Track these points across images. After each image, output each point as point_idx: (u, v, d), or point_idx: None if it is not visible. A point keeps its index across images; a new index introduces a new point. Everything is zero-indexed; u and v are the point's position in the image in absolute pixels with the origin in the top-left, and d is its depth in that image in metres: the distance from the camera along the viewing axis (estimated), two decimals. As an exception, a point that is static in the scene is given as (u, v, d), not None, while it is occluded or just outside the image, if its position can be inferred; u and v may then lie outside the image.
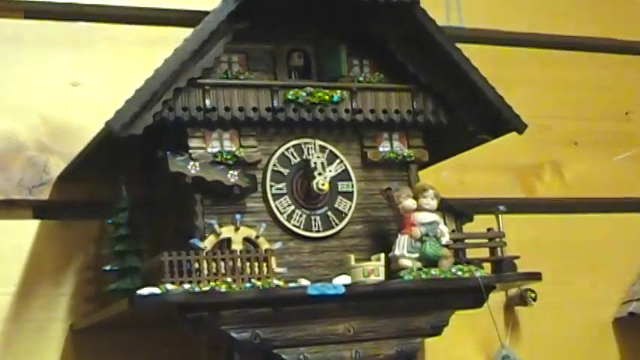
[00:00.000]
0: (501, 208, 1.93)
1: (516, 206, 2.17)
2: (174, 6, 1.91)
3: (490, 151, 2.13)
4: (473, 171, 2.24)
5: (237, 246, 1.71)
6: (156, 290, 1.62)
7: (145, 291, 1.62)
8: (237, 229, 1.72)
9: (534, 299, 2.19)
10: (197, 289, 1.64)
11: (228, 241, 1.71)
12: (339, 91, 1.84)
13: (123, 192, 1.82)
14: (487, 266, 1.91)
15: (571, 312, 2.28)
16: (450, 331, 1.91)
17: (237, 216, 1.72)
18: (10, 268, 1.90)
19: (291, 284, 1.71)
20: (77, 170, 1.89)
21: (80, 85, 1.98)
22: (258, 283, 1.68)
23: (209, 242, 1.70)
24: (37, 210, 1.95)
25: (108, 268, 1.81)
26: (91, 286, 1.91)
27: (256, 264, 1.69)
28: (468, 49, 1.93)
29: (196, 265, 1.65)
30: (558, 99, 2.38)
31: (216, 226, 1.70)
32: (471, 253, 1.91)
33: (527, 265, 1.91)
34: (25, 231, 1.92)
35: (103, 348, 1.91)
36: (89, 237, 1.93)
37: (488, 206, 1.96)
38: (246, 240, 1.72)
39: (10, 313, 1.89)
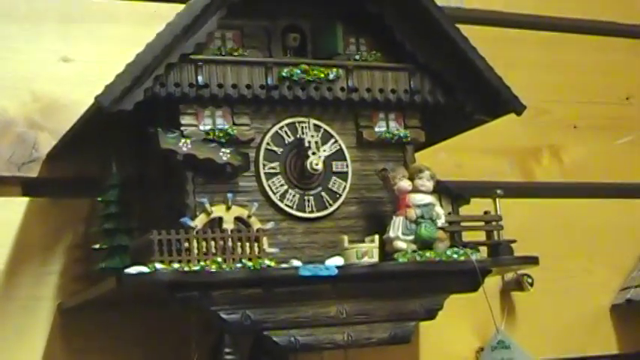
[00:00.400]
0: (499, 191, 1.90)
1: (514, 190, 2.15)
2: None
3: (488, 134, 2.10)
4: (471, 153, 2.20)
5: (228, 225, 1.66)
6: (144, 269, 1.58)
7: (133, 270, 1.58)
8: (228, 208, 1.68)
9: (531, 284, 2.15)
10: (187, 269, 1.60)
11: (220, 220, 1.67)
12: (334, 69, 1.79)
13: (113, 169, 1.78)
14: (483, 250, 1.86)
15: (568, 298, 2.24)
16: (446, 315, 1.87)
17: (229, 195, 1.67)
18: (-2, 245, 1.86)
19: (283, 265, 1.67)
20: (67, 147, 1.85)
21: (71, 60, 1.94)
22: (249, 264, 1.64)
23: (200, 221, 1.65)
24: (26, 187, 1.91)
25: (97, 246, 1.77)
26: (79, 264, 1.87)
27: (247, 244, 1.65)
28: (467, 30, 1.88)
29: (186, 245, 1.61)
30: (558, 82, 2.34)
31: (208, 205, 1.65)
32: (467, 237, 1.86)
33: (524, 250, 1.88)
34: (14, 208, 1.88)
35: (91, 327, 1.87)
36: (78, 215, 1.89)
37: (486, 190, 1.93)
38: (238, 219, 1.67)
39: (-2, 290, 1.85)
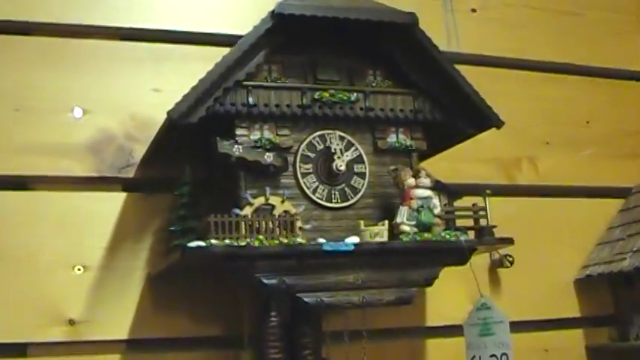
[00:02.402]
0: (488, 191, 1.76)
1: (500, 190, 2.00)
2: (234, 32, 1.71)
3: (481, 147, 1.97)
4: (466, 162, 2.04)
5: (278, 212, 1.55)
6: (202, 244, 1.46)
7: (193, 244, 1.46)
8: (282, 200, 1.57)
9: (511, 263, 1.99)
10: (235, 244, 1.47)
11: (273, 207, 1.55)
12: (355, 93, 1.66)
13: (186, 169, 1.65)
14: (472, 234, 1.72)
15: (541, 274, 2.07)
16: (447, 284, 1.76)
17: (267, 189, 1.57)
18: (104, 228, 1.75)
19: (311, 242, 1.53)
20: (153, 154, 1.73)
21: (160, 90, 1.82)
22: (285, 240, 1.50)
23: (247, 210, 1.53)
24: (125, 185, 1.79)
25: (172, 228, 1.64)
26: (164, 243, 1.73)
27: (284, 225, 1.52)
28: (463, 68, 1.75)
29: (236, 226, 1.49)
30: (534, 109, 2.18)
31: (250, 198, 1.55)
32: (460, 223, 1.71)
33: (508, 236, 1.74)
34: (116, 201, 1.77)
35: (173, 291, 1.74)
36: (163, 206, 1.75)
37: (478, 190, 1.78)
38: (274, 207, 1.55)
39: (103, 262, 1.73)
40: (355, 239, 1.56)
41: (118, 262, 1.74)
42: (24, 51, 1.77)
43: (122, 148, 1.78)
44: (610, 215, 2.17)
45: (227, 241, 1.47)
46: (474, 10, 2.16)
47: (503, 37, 2.18)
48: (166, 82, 1.82)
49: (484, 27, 2.17)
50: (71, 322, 1.68)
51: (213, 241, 1.46)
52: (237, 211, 1.52)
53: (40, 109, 1.75)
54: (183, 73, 1.75)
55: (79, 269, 1.71)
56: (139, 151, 1.78)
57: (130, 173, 1.78)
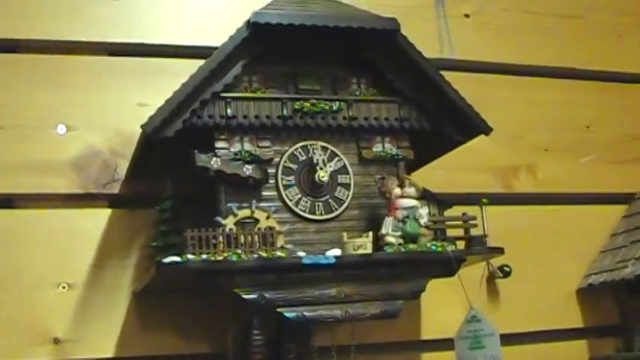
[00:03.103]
0: (485, 200, 1.69)
1: (497, 199, 1.94)
2: (219, 44, 1.68)
3: (477, 156, 1.95)
4: (463, 171, 2.00)
5: (262, 225, 1.51)
6: (178, 259, 1.42)
7: (168, 260, 1.43)
8: (268, 216, 1.52)
9: (507, 274, 1.93)
10: (212, 259, 1.43)
11: (257, 221, 1.51)
12: (337, 102, 1.62)
13: (168, 184, 1.62)
14: (463, 244, 1.65)
15: (542, 283, 2.01)
16: (440, 296, 1.75)
17: (254, 202, 1.52)
18: (89, 245, 1.73)
19: (291, 255, 1.49)
20: (136, 169, 1.70)
21: (146, 105, 1.77)
22: (264, 255, 1.46)
23: (229, 221, 1.49)
24: (110, 201, 1.77)
25: (154, 244, 1.61)
26: (149, 259, 1.69)
27: (263, 238, 1.48)
28: (456, 76, 1.72)
29: (213, 240, 1.45)
30: (532, 115, 2.13)
31: (235, 209, 1.50)
32: (453, 233, 1.66)
33: (507, 246, 1.69)
34: (101, 217, 1.74)
35: (157, 307, 1.71)
36: (148, 222, 1.71)
37: (475, 199, 1.72)
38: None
39: (89, 279, 1.71)
40: (337, 252, 1.51)
41: (104, 279, 1.72)
42: (8, 68, 1.76)
43: (107, 164, 1.76)
44: (612, 222, 2.11)
45: (204, 256, 1.44)
46: (467, 16, 2.12)
47: (499, 42, 2.13)
48: (152, 97, 1.73)
49: (478, 32, 2.13)
50: (56, 341, 1.66)
51: (190, 256, 1.43)
52: (219, 219, 1.48)
53: (25, 127, 1.73)
54: (169, 87, 1.68)
55: (63, 287, 1.69)
56: (124, 167, 1.75)
57: (115, 189, 1.76)
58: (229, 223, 1.49)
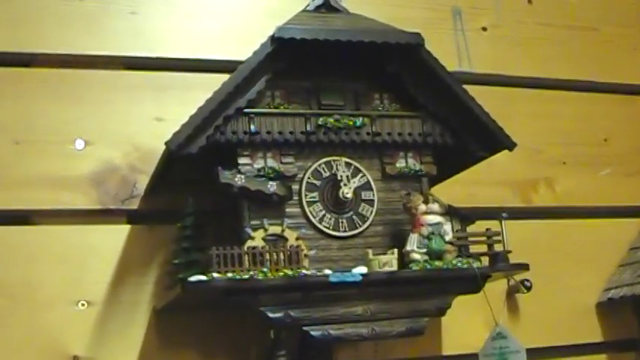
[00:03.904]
0: (504, 215, 1.67)
1: (517, 213, 1.92)
2: (238, 58, 1.65)
3: (495, 170, 1.93)
4: (481, 185, 1.98)
5: (292, 242, 1.50)
6: (203, 277, 1.41)
7: (194, 278, 1.41)
8: (297, 237, 1.51)
9: (529, 288, 1.92)
10: (238, 277, 1.41)
11: (285, 239, 1.50)
12: (361, 118, 1.60)
13: (190, 200, 1.60)
14: (486, 259, 1.64)
15: (562, 298, 2.00)
16: (463, 312, 1.71)
17: (265, 220, 1.51)
18: (107, 262, 1.70)
19: (317, 273, 1.47)
20: (157, 185, 1.68)
21: (163, 120, 1.77)
22: (290, 273, 1.44)
23: (258, 235, 1.49)
24: (129, 217, 1.75)
25: (176, 261, 1.58)
26: (169, 276, 1.67)
27: (289, 257, 1.47)
28: (477, 89, 1.70)
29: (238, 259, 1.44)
30: (550, 128, 2.12)
31: (250, 230, 1.49)
32: (475, 249, 1.64)
33: (527, 261, 1.68)
34: (120, 234, 1.72)
35: (179, 325, 1.69)
36: (168, 238, 1.68)
37: (494, 214, 1.70)
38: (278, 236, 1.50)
39: (107, 297, 1.68)
40: (363, 269, 1.50)
41: (123, 296, 1.69)
42: (24, 83, 1.73)
43: (125, 180, 1.74)
44: (632, 235, 2.10)
45: (229, 275, 1.42)
46: (484, 29, 2.11)
47: (516, 55, 2.12)
48: (169, 111, 1.77)
49: (496, 45, 2.12)
50: (76, 359, 1.64)
51: (215, 275, 1.41)
52: (248, 230, 1.48)
53: (41, 142, 1.71)
54: (186, 101, 1.68)
55: (82, 304, 1.67)
56: (143, 182, 1.73)
57: (134, 205, 1.73)
58: (258, 236, 1.48)
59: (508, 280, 1.92)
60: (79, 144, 1.73)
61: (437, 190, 1.70)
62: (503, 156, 1.73)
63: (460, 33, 2.07)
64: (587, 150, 2.13)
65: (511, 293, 1.95)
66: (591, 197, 2.11)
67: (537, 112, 2.11)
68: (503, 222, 1.67)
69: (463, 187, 1.91)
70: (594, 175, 2.12)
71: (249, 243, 1.47)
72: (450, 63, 1.94)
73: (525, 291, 1.90)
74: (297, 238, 1.50)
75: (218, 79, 1.55)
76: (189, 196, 1.60)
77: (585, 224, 2.08)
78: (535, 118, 2.09)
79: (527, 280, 1.91)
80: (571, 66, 2.16)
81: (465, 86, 1.67)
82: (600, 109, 2.18)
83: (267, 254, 1.45)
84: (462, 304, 1.64)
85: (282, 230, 1.51)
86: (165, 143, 1.45)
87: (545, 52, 2.15)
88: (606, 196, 2.12)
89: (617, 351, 2.02)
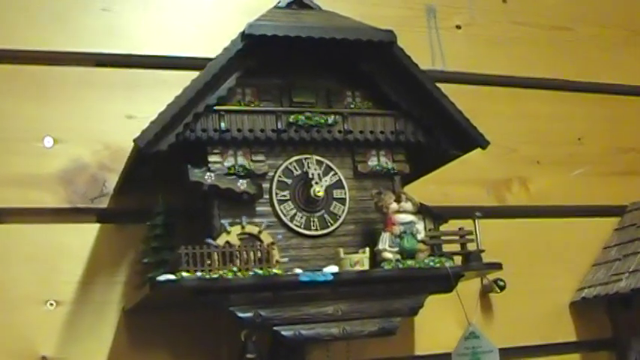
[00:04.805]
0: (478, 214, 1.67)
1: (490, 213, 1.91)
2: (210, 55, 1.63)
3: (469, 169, 1.92)
4: (455, 184, 1.97)
5: (266, 240, 1.47)
6: (172, 277, 1.38)
7: (163, 277, 1.39)
8: (260, 231, 1.48)
9: (502, 288, 1.91)
10: (207, 277, 1.39)
11: (256, 237, 1.48)
12: (332, 116, 1.58)
13: (159, 199, 1.58)
14: (460, 258, 1.63)
15: (535, 297, 1.99)
16: (436, 311, 1.69)
17: (244, 218, 1.48)
18: (77, 261, 1.68)
19: (288, 272, 1.45)
20: (126, 184, 1.65)
21: (134, 117, 1.75)
22: (260, 272, 1.42)
23: (221, 239, 1.45)
24: (98, 216, 1.72)
25: (146, 260, 1.57)
26: (139, 276, 1.66)
27: (259, 255, 1.44)
28: (449, 88, 1.69)
29: (208, 260, 1.42)
30: (523, 127, 2.11)
31: (227, 227, 1.46)
32: (448, 248, 1.63)
33: (501, 260, 1.67)
34: (89, 233, 1.70)
35: (148, 325, 1.67)
36: (138, 237, 1.67)
37: (468, 213, 1.68)
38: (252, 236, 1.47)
39: (76, 297, 1.66)
40: (334, 268, 1.48)
41: (93, 296, 1.67)
42: (-8, 79, 1.71)
43: (95, 178, 1.71)
44: (605, 235, 2.10)
45: (199, 274, 1.40)
46: (458, 27, 2.10)
47: (490, 53, 2.11)
48: (140, 109, 1.74)
49: (470, 44, 2.10)
50: (44, 360, 1.62)
51: (185, 274, 1.39)
52: (210, 240, 1.44)
53: (10, 140, 1.68)
54: (158, 99, 1.64)
55: (51, 304, 1.64)
56: (113, 181, 1.70)
57: (104, 204, 1.71)
58: (234, 232, 1.46)
59: (481, 280, 1.93)
60: (48, 142, 1.71)
61: (410, 189, 1.69)
62: (476, 155, 1.72)
63: (434, 31, 2.06)
64: (562, 149, 2.13)
65: (484, 293, 1.95)
66: (565, 197, 2.10)
67: (511, 111, 2.10)
68: (476, 221, 1.66)
69: (437, 186, 1.90)
70: (568, 174, 2.12)
71: (225, 237, 1.45)
72: (424, 61, 1.92)
73: (499, 290, 1.89)
74: (260, 232, 1.48)
75: (191, 77, 1.52)
76: (159, 195, 1.58)
77: (559, 224, 2.08)
78: (509, 117, 2.09)
79: (501, 280, 1.90)
80: (545, 65, 2.15)
81: (439, 84, 1.66)
82: (575, 109, 2.17)
83: (237, 253, 1.43)
84: (434, 304, 1.62)
85: (260, 232, 1.49)
86: (134, 140, 1.43)
87: (520, 51, 2.14)
88: (580, 196, 2.11)
89: (591, 350, 2.02)
